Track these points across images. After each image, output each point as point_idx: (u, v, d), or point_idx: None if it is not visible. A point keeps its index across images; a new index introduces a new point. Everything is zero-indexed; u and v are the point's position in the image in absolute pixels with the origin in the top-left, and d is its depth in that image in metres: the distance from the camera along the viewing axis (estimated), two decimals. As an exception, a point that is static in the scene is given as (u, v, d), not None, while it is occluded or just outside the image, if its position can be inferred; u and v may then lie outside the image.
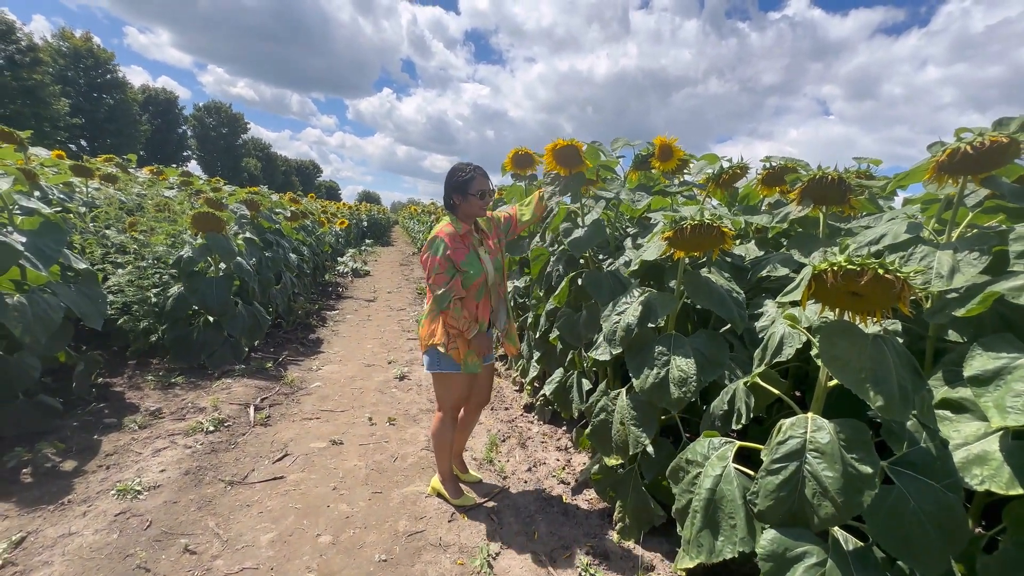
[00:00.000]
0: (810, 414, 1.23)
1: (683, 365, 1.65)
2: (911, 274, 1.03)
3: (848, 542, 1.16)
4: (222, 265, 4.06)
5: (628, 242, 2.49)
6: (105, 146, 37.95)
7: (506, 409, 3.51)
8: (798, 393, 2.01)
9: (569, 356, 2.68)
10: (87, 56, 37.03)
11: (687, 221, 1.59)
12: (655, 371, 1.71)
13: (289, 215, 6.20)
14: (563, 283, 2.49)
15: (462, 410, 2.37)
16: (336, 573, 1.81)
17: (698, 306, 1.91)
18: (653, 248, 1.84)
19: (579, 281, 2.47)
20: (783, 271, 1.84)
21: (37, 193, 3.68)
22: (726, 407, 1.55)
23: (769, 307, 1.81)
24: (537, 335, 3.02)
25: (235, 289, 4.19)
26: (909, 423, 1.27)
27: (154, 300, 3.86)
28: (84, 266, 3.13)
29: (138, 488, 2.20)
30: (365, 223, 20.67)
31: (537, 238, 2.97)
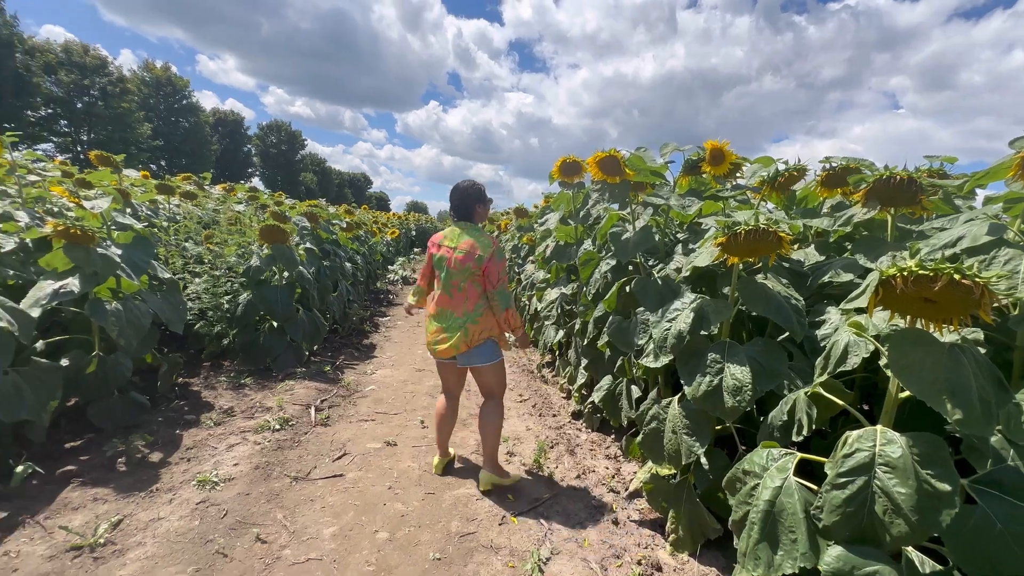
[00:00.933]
0: (879, 427, 1.17)
1: (737, 373, 1.61)
2: (993, 279, 0.97)
3: (924, 564, 1.10)
4: (285, 274, 4.34)
5: (678, 248, 2.45)
6: (181, 165, 41.43)
7: (554, 416, 3.52)
8: (867, 407, 1.91)
9: (618, 363, 2.66)
10: (166, 84, 40.67)
11: (741, 226, 1.56)
12: (707, 379, 1.68)
13: (345, 226, 6.52)
14: (612, 289, 2.49)
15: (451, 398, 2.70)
16: (393, 568, 1.89)
17: (754, 313, 1.85)
18: (705, 254, 1.82)
19: (628, 287, 2.45)
20: (847, 277, 1.75)
21: (129, 210, 4.10)
22: (785, 418, 1.50)
23: (832, 314, 1.73)
24: (585, 342, 3.02)
25: (297, 296, 4.46)
26: (994, 439, 1.18)
27: (226, 307, 4.18)
28: (168, 276, 3.45)
29: (215, 480, 2.39)
30: (413, 232, 21.32)
31: (587, 243, 2.98)
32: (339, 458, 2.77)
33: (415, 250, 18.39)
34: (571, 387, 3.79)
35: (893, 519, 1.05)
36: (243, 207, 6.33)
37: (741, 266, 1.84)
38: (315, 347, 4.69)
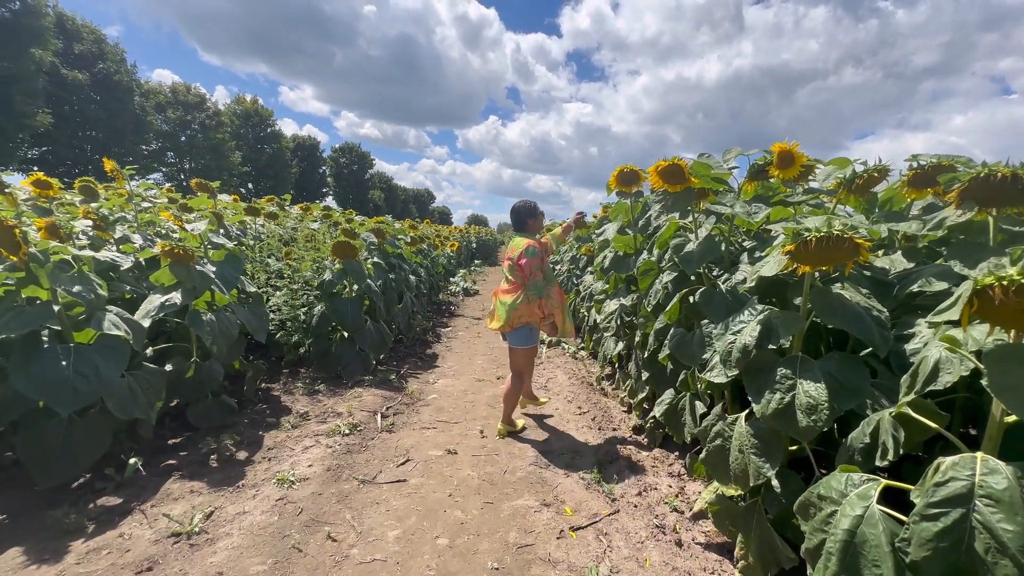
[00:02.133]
0: (979, 454, 1.05)
1: (811, 390, 1.51)
2: (1116, 289, 0.84)
3: (1041, 614, 0.96)
4: (355, 287, 4.61)
5: (744, 257, 2.34)
6: (265, 188, 45.33)
7: (614, 430, 3.44)
8: (974, 431, 1.70)
9: (681, 376, 2.57)
10: (253, 115, 44.87)
11: (811, 233, 1.47)
12: (778, 396, 1.58)
13: (409, 240, 6.82)
14: (674, 300, 2.41)
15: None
16: (453, 575, 1.93)
17: (830, 326, 1.73)
18: (772, 263, 1.72)
19: (692, 298, 2.37)
20: (940, 285, 1.59)
21: (222, 231, 4.56)
22: (867, 440, 1.37)
23: (922, 327, 1.57)
24: (646, 354, 2.94)
25: (365, 308, 4.72)
26: None
27: (302, 318, 4.50)
28: (253, 289, 3.78)
29: (292, 479, 2.58)
30: (474, 245, 21.84)
31: (645, 253, 2.91)
32: (402, 464, 2.89)
33: (475, 262, 18.81)
34: (631, 400, 3.69)
35: (998, 559, 0.94)
36: (317, 225, 6.83)
37: (817, 275, 1.72)
38: (381, 356, 4.92)
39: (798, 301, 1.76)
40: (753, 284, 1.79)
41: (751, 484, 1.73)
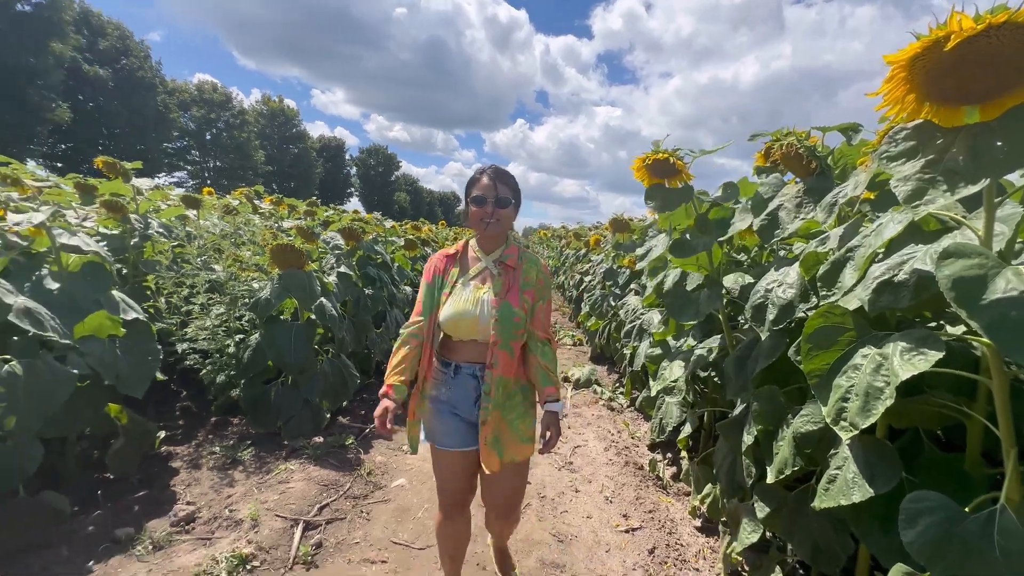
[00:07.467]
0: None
1: None
2: None
3: None
4: (310, 309, 3.30)
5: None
6: (289, 188, 45.19)
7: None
8: None
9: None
10: (279, 115, 44.84)
11: None
12: None
13: (403, 244, 5.50)
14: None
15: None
16: None
17: None
18: None
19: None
20: None
21: (140, 225, 3.30)
22: None
23: None
24: (772, 478, 1.49)
25: (319, 338, 3.41)
26: None
27: (232, 350, 3.22)
28: (134, 316, 2.51)
29: None
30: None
31: (779, 283, 1.49)
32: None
33: (494, 268, 17.37)
34: (710, 514, 2.26)
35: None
36: (289, 224, 5.57)
37: None
38: (344, 404, 3.60)
39: None
40: None
41: None
